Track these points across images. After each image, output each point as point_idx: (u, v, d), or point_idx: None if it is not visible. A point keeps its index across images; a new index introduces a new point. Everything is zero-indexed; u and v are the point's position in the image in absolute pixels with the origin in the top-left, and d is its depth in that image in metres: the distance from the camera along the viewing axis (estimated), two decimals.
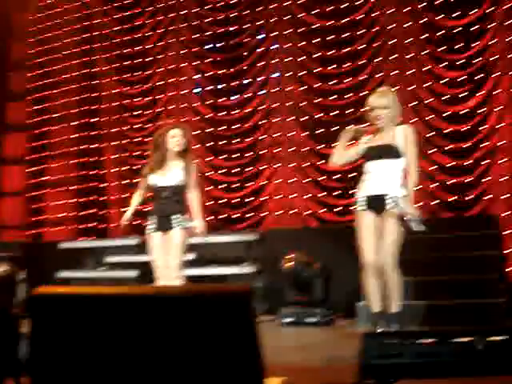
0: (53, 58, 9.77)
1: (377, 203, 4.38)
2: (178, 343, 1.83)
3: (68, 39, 9.69)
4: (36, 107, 9.84)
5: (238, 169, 8.51)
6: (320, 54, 8.23)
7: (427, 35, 7.63)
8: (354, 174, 6.27)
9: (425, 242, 5.85)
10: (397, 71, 7.67)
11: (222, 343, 1.80)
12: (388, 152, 4.40)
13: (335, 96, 8.11)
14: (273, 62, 8.45)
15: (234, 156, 8.55)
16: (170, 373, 1.86)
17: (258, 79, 8.52)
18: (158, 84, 9.06)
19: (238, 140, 8.57)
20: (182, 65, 8.91)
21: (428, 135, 7.41)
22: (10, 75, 10.03)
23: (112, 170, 9.21)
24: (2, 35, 9.74)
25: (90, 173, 9.35)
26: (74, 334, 1.96)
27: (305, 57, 8.27)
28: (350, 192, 7.16)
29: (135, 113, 9.20)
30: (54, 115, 9.66)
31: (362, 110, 5.27)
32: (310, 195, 8.10)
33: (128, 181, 8.86)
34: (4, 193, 9.82)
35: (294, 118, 8.26)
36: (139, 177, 5.31)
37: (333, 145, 6.47)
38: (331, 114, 8.09)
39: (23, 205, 9.74)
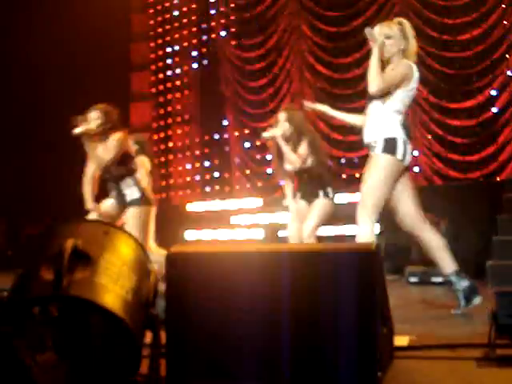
0: (172, 27, 10.03)
1: None
2: (311, 298, 1.87)
3: (185, 7, 9.90)
4: (159, 76, 10.18)
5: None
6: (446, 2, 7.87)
7: None
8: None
9: None
10: None
11: (351, 300, 1.82)
12: None
13: (457, 48, 7.77)
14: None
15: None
16: (300, 326, 1.90)
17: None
18: (275, 45, 9.06)
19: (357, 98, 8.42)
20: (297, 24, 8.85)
21: None
22: (133, 46, 10.38)
23: (235, 134, 9.40)
24: (123, 10, 10.05)
25: (213, 137, 9.59)
26: (207, 288, 2.04)
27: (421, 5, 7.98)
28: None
29: (253, 76, 9.28)
30: (176, 83, 9.96)
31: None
32: (434, 152, 7.85)
33: (249, 145, 9.03)
34: None
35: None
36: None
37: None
38: (456, 67, 7.77)
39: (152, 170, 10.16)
